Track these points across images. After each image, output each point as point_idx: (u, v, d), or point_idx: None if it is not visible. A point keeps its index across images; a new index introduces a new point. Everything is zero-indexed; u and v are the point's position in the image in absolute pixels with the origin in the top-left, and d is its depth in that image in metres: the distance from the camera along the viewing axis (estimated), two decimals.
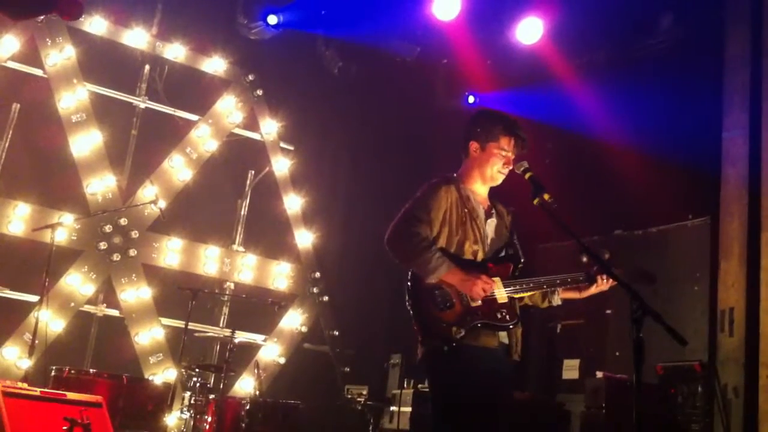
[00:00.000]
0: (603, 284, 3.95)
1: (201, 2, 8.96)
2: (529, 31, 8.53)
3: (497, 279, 3.81)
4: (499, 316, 3.77)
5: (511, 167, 4.00)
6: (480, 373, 3.67)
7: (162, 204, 7.90)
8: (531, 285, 3.90)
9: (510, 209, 4.18)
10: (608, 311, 7.97)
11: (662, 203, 7.64)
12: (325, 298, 9.16)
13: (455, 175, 4.10)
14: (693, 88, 7.44)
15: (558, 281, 3.95)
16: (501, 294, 3.80)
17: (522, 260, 3.99)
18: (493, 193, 4.16)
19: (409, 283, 3.83)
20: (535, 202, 3.68)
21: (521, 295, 3.92)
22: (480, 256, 3.88)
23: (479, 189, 4.08)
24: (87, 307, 8.04)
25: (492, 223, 4.02)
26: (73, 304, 7.86)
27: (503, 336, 3.83)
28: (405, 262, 3.81)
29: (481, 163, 4.03)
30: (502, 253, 3.98)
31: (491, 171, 4.01)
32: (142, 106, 8.73)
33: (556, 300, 4.09)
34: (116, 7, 8.61)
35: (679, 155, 7.25)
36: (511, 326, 3.80)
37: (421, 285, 3.77)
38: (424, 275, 3.73)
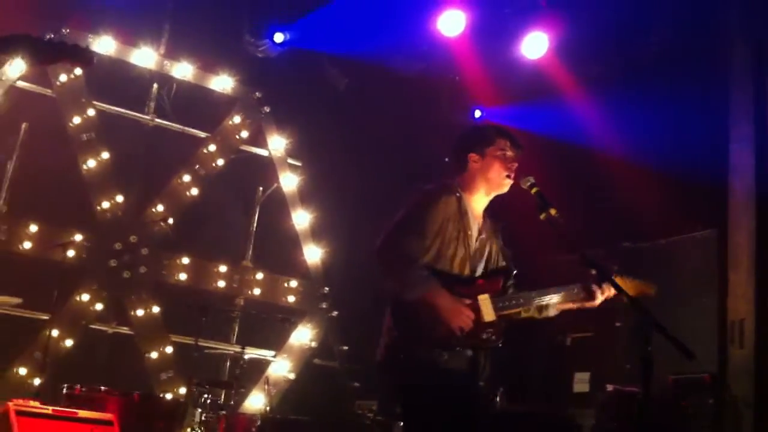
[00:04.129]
0: (599, 298, 3.80)
1: (208, 21, 9.02)
2: (535, 46, 8.53)
3: (485, 296, 3.68)
4: (484, 336, 3.65)
5: (516, 164, 3.92)
6: (452, 394, 3.56)
7: (171, 221, 7.96)
8: (521, 301, 3.75)
9: (501, 224, 4.08)
10: (618, 324, 7.93)
11: (669, 215, 7.63)
12: (334, 314, 9.17)
13: (455, 183, 3.99)
14: (699, 100, 7.45)
15: (551, 295, 3.82)
16: (488, 312, 3.65)
17: (514, 272, 3.89)
18: (491, 207, 4.06)
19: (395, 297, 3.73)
20: (542, 217, 3.64)
21: (510, 312, 3.73)
22: (466, 273, 3.78)
23: (480, 201, 3.99)
24: (98, 325, 8.08)
25: (482, 240, 3.92)
26: (83, 322, 7.91)
27: (469, 358, 3.68)
28: (390, 275, 3.72)
29: (485, 169, 3.94)
30: (492, 268, 3.90)
31: (497, 175, 3.91)
32: (151, 124, 8.80)
33: (552, 312, 3.90)
34: (124, 26, 8.69)
35: (686, 167, 7.24)
36: (499, 345, 3.67)
37: (409, 301, 3.63)
38: (405, 292, 3.61)
